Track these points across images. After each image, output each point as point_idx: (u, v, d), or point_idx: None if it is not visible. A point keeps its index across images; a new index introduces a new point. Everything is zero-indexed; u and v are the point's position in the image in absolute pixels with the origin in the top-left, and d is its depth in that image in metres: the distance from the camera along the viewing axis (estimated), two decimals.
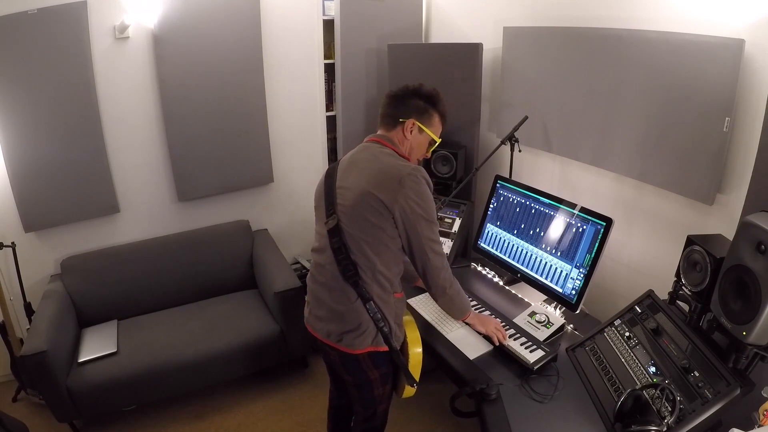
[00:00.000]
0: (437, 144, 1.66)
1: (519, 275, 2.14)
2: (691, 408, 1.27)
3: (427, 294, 2.04)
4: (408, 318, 1.72)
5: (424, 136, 1.61)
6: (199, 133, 2.84)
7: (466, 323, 1.82)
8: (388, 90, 1.64)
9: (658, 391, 1.32)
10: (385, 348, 1.57)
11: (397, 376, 1.72)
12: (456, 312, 1.72)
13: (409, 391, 1.68)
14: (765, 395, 1.28)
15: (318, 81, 3.18)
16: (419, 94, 1.59)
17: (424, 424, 2.42)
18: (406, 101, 1.58)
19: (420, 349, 1.66)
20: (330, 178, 1.59)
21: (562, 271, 1.95)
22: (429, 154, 1.70)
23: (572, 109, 2.22)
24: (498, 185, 2.30)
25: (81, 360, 2.32)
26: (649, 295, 1.66)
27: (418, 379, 1.65)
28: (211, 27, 2.69)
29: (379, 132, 1.63)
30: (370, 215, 1.45)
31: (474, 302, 1.98)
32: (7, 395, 2.65)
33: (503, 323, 1.82)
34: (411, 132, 1.58)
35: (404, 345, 1.66)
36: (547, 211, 2.05)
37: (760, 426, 1.25)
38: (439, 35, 3.14)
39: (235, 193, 3.13)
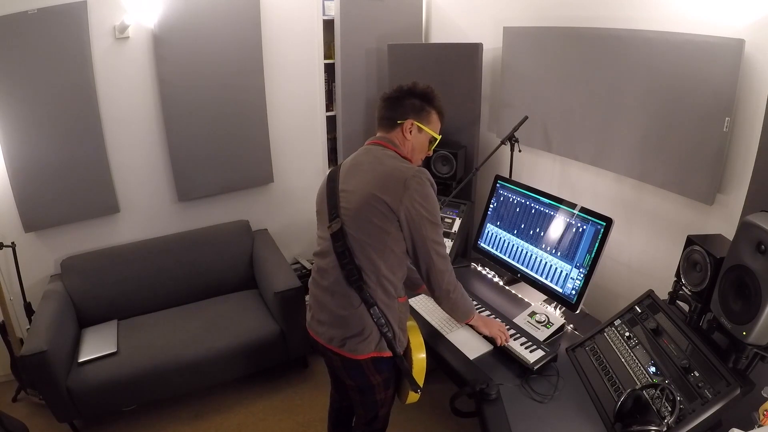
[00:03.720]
0: (438, 141, 1.65)
1: (519, 275, 2.14)
2: (691, 408, 1.27)
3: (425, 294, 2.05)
4: (411, 323, 1.71)
5: (424, 134, 1.60)
6: (199, 133, 2.84)
7: (470, 325, 1.80)
8: (383, 92, 1.63)
9: (658, 391, 1.32)
10: (389, 353, 1.56)
11: (400, 380, 1.71)
12: (460, 315, 1.71)
13: (412, 396, 1.67)
14: (765, 395, 1.28)
15: (318, 81, 3.18)
16: (414, 94, 1.57)
17: (424, 424, 2.42)
18: (402, 102, 1.57)
19: (423, 355, 1.64)
20: (332, 181, 1.57)
21: (562, 271, 1.95)
22: (431, 152, 1.69)
23: (572, 109, 2.22)
24: (498, 185, 2.30)
25: (81, 360, 2.32)
26: (649, 295, 1.66)
27: (422, 385, 1.64)
28: (211, 27, 2.69)
29: (378, 134, 1.62)
30: (374, 218, 1.44)
31: (474, 302, 1.98)
32: (7, 395, 2.65)
33: (504, 323, 1.82)
34: (411, 132, 1.58)
35: (408, 350, 1.65)
36: (547, 211, 2.05)
37: (760, 426, 1.25)
38: (439, 35, 3.15)
39: (235, 193, 3.13)
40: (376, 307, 1.50)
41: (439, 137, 1.64)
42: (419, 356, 1.63)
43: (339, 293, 1.52)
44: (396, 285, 1.55)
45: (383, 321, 1.51)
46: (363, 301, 1.49)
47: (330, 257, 1.52)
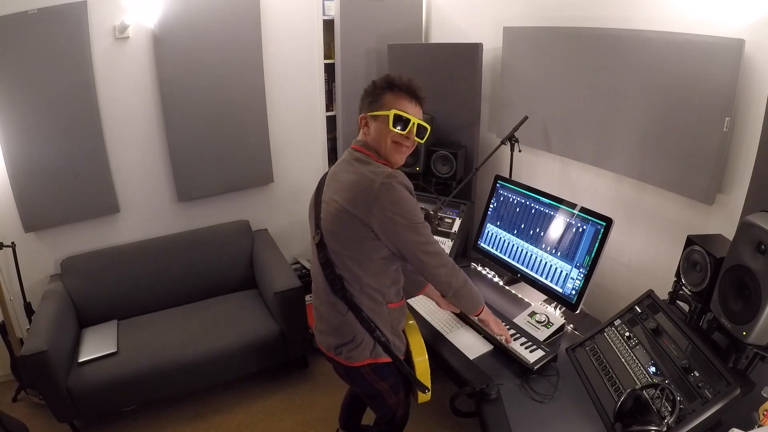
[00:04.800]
0: (411, 121, 1.46)
1: (519, 275, 2.14)
2: (691, 408, 1.27)
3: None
4: (411, 323, 1.70)
5: (380, 120, 1.47)
6: (199, 133, 2.84)
7: (481, 319, 1.72)
8: None
9: (658, 391, 1.32)
10: (387, 359, 1.55)
11: (411, 382, 1.70)
12: (467, 305, 1.64)
13: (422, 397, 1.66)
14: (765, 395, 1.28)
15: (318, 81, 3.18)
16: (365, 93, 1.53)
17: (424, 424, 2.42)
18: (360, 104, 1.55)
19: (424, 357, 1.63)
20: (318, 191, 1.58)
21: (562, 271, 1.95)
22: (406, 134, 1.47)
23: (572, 109, 2.22)
24: (498, 185, 2.30)
25: (81, 360, 2.31)
26: (649, 295, 1.66)
27: (429, 385, 1.63)
28: (211, 27, 2.69)
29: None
30: (345, 231, 1.43)
31: None
32: (7, 395, 2.65)
33: (504, 324, 1.81)
34: (367, 126, 1.51)
35: (408, 353, 1.64)
36: (547, 211, 2.05)
37: (760, 426, 1.25)
38: (439, 35, 3.15)
39: (235, 193, 3.13)
40: (363, 313, 1.49)
41: (393, 112, 1.44)
42: (418, 359, 1.63)
43: (328, 302, 1.53)
44: (382, 291, 1.52)
45: (373, 326, 1.50)
46: (350, 308, 1.49)
47: (317, 267, 1.54)
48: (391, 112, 1.45)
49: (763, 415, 1.26)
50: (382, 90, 1.49)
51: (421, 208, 1.49)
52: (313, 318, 1.69)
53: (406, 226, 1.40)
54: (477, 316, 1.69)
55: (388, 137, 1.47)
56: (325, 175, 1.60)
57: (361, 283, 1.48)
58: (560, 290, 1.94)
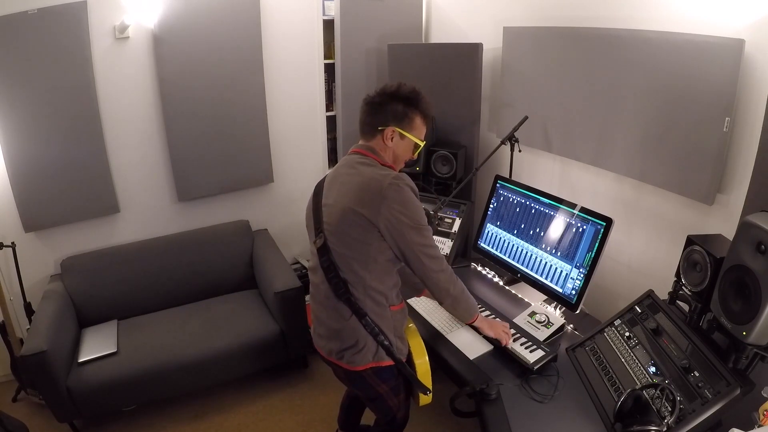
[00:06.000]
0: (422, 146, 1.59)
1: (519, 275, 2.14)
2: (691, 408, 1.27)
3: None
4: (410, 326, 1.70)
5: (406, 141, 1.53)
6: (199, 133, 2.84)
7: (475, 327, 1.76)
8: (366, 94, 1.55)
9: (658, 391, 1.32)
10: (389, 362, 1.55)
11: (411, 384, 1.70)
12: (462, 313, 1.67)
13: (424, 399, 1.66)
14: (765, 395, 1.28)
15: (318, 81, 3.18)
16: (398, 97, 1.49)
17: (424, 424, 2.42)
18: (383, 107, 1.50)
19: (424, 359, 1.64)
20: (317, 195, 1.57)
21: (562, 271, 1.95)
22: (415, 156, 1.62)
23: (572, 109, 2.22)
24: (498, 185, 2.30)
25: (81, 360, 2.32)
26: (649, 295, 1.66)
27: (430, 387, 1.64)
28: (211, 27, 2.69)
29: (360, 142, 1.58)
30: (353, 232, 1.43)
31: None
32: (7, 395, 2.65)
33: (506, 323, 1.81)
34: (392, 140, 1.51)
35: (409, 355, 1.65)
36: (547, 211, 2.05)
37: (760, 426, 1.25)
38: (439, 35, 3.15)
39: (235, 193, 3.13)
40: (367, 317, 1.49)
41: (423, 143, 1.57)
42: (419, 361, 1.64)
43: (330, 307, 1.52)
44: (386, 294, 1.53)
45: (377, 330, 1.50)
46: (354, 312, 1.49)
47: (318, 272, 1.53)
48: (422, 143, 1.57)
49: (763, 415, 1.26)
50: (414, 109, 1.51)
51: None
52: (312, 322, 1.68)
53: (411, 226, 1.42)
54: (471, 323, 1.72)
55: (408, 158, 1.60)
56: (323, 180, 1.60)
57: (365, 286, 1.48)
58: (560, 290, 1.94)
